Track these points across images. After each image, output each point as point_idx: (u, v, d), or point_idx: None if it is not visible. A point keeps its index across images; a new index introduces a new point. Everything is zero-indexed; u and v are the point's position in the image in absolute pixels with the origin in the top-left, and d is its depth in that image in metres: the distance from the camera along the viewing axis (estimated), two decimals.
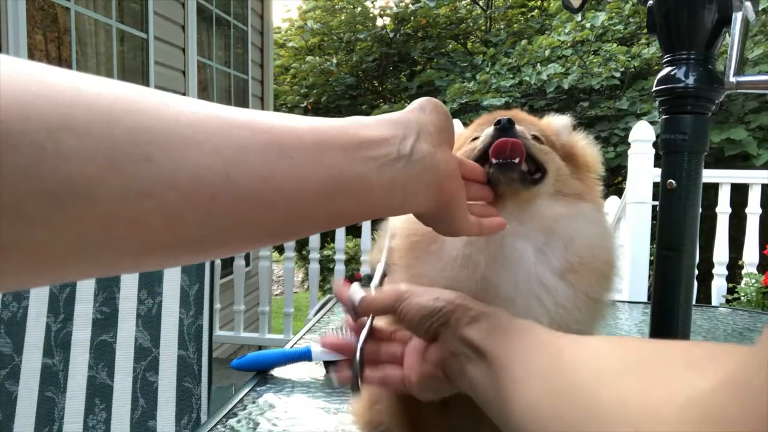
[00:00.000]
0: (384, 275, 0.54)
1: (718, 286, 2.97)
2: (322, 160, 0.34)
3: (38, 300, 1.07)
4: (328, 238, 6.86)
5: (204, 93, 4.67)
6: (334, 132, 0.36)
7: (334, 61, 10.22)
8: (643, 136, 2.88)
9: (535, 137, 0.53)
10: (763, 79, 0.67)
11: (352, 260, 6.32)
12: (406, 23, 9.97)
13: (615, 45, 7.35)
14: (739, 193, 3.01)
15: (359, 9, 10.34)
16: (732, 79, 0.64)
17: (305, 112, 9.74)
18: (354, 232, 6.49)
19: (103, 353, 1.08)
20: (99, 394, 1.07)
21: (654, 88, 0.68)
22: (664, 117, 0.68)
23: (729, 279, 3.01)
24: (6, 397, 1.03)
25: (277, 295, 7.76)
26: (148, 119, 0.28)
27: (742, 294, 2.82)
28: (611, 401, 0.32)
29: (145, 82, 3.79)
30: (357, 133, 0.37)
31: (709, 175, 2.84)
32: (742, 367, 0.26)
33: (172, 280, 1.12)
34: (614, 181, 6.74)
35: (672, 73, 0.66)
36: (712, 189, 3.07)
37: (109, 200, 0.26)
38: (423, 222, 0.45)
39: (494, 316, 0.45)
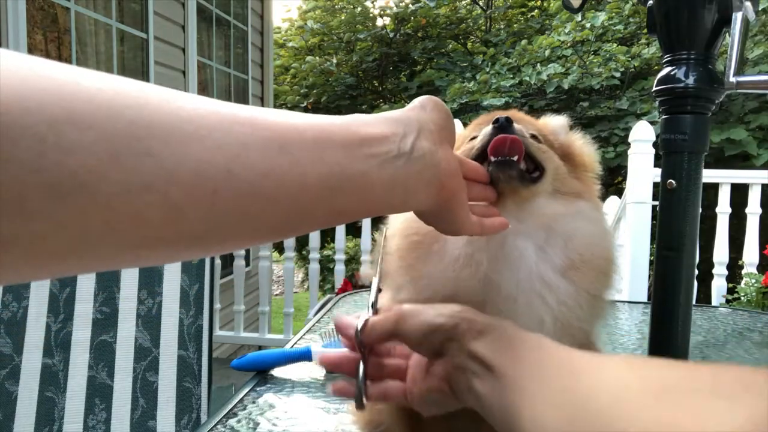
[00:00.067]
0: (379, 290, 0.53)
1: (718, 286, 2.97)
2: (322, 157, 0.34)
3: (38, 300, 1.07)
4: (328, 238, 6.87)
5: (204, 93, 4.66)
6: (335, 129, 0.36)
7: (334, 61, 10.22)
8: (643, 136, 2.88)
9: (533, 136, 0.53)
10: (763, 79, 0.67)
11: (352, 260, 6.32)
12: (406, 23, 9.97)
13: (615, 45, 7.35)
14: (739, 193, 3.01)
15: (359, 9, 10.34)
16: (732, 79, 0.64)
17: (305, 111, 9.68)
18: (354, 232, 6.49)
19: (103, 353, 1.08)
20: (99, 394, 1.07)
21: (654, 88, 0.68)
22: (664, 117, 0.68)
23: (729, 279, 3.01)
24: (6, 397, 1.03)
25: (277, 295, 7.76)
26: (149, 114, 0.28)
27: (742, 294, 2.82)
28: (630, 424, 0.30)
29: (145, 81, 3.79)
30: (358, 131, 0.37)
31: (709, 175, 2.84)
32: None
33: (172, 280, 1.12)
34: (614, 181, 6.75)
35: (672, 73, 0.66)
36: (712, 189, 3.07)
37: (111, 194, 0.26)
38: (424, 221, 0.45)
39: (500, 328, 0.43)
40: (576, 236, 0.51)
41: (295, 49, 10.69)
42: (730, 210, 2.98)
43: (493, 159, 0.49)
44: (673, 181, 0.66)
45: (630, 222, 2.91)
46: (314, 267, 3.65)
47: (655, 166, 2.83)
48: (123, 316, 1.10)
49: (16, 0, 2.69)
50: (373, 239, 0.62)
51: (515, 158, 0.49)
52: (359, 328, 0.46)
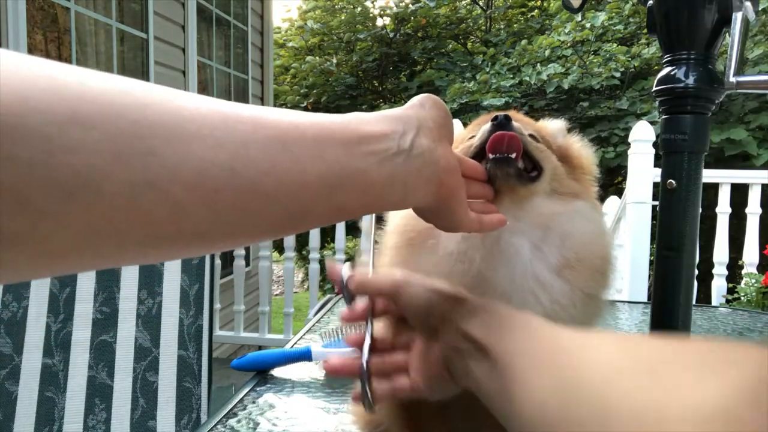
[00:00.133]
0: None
1: (718, 286, 2.97)
2: (322, 155, 0.35)
3: (38, 300, 1.07)
4: (328, 237, 6.86)
5: (204, 93, 4.65)
6: (335, 127, 0.37)
7: (334, 61, 10.22)
8: (643, 136, 2.88)
9: (532, 136, 0.53)
10: (763, 79, 0.67)
11: (352, 260, 6.31)
12: (406, 23, 9.96)
13: (615, 45, 7.34)
14: (739, 193, 3.01)
15: (359, 9, 10.33)
16: (732, 79, 0.64)
17: (305, 111, 9.71)
18: (354, 232, 6.48)
19: (103, 353, 1.08)
20: (99, 394, 1.07)
21: (654, 88, 0.68)
22: (664, 117, 0.68)
23: (729, 279, 3.01)
24: (6, 397, 1.03)
25: (277, 295, 7.76)
26: (151, 113, 0.28)
27: (742, 294, 2.82)
28: (621, 402, 0.30)
29: (145, 81, 3.79)
30: (357, 129, 0.37)
31: (709, 175, 2.84)
32: (761, 372, 0.25)
33: (172, 280, 1.12)
34: (614, 181, 6.74)
35: (672, 73, 0.66)
36: (712, 189, 3.06)
37: (114, 193, 0.26)
38: (423, 218, 0.45)
39: (492, 309, 0.44)
40: (573, 235, 0.51)
41: (295, 49, 10.69)
42: (730, 210, 2.98)
43: (491, 156, 0.49)
44: (673, 181, 0.66)
45: (630, 222, 2.91)
46: (314, 267, 3.65)
47: (655, 166, 2.83)
48: (123, 316, 1.10)
49: (16, 0, 2.69)
50: (375, 241, 0.63)
51: (513, 155, 0.49)
52: (347, 279, 0.47)
